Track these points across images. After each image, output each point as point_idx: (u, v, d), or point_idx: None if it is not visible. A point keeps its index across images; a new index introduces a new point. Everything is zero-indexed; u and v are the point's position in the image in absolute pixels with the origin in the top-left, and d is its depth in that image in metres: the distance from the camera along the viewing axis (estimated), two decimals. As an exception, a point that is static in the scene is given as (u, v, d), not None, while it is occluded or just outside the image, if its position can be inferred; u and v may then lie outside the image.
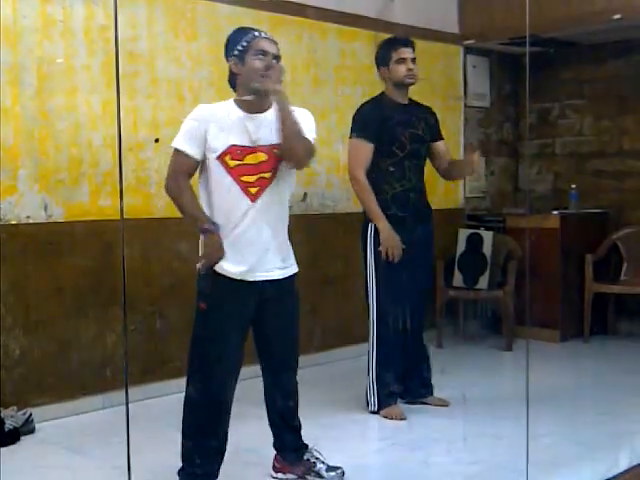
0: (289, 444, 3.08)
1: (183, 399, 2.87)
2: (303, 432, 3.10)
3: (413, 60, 3.86)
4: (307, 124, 2.85)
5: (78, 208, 3.98)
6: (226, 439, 2.88)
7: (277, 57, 2.83)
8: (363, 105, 3.96)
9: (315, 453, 3.08)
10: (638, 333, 5.77)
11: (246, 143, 2.79)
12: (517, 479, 2.89)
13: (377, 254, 3.81)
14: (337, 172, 5.00)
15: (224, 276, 2.79)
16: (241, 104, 2.84)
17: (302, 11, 4.90)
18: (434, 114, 4.08)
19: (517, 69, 6.36)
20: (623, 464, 3.28)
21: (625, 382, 4.50)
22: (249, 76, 2.80)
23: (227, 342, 2.82)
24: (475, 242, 5.57)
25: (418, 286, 3.94)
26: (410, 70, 3.84)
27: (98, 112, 4.01)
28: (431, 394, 4.08)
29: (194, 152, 2.78)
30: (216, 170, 2.78)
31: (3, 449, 3.45)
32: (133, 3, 4.14)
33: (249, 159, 2.79)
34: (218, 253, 2.77)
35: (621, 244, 5.78)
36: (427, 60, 5.36)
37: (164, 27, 4.29)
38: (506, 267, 5.48)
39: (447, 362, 4.76)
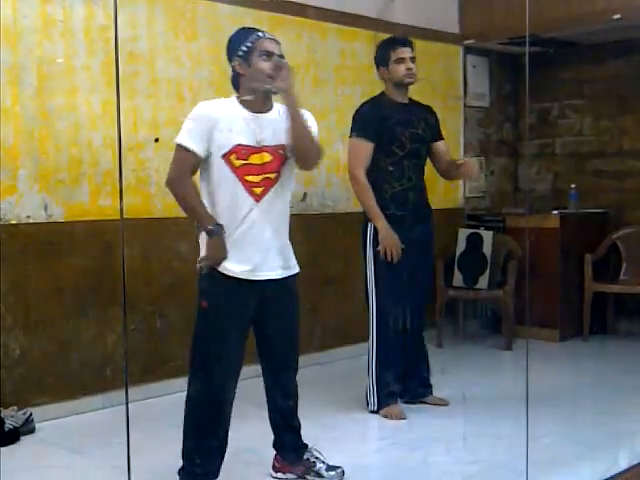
0: (289, 444, 3.08)
1: (184, 398, 2.87)
2: (303, 432, 3.10)
3: (412, 59, 3.86)
4: (310, 125, 2.87)
5: (78, 208, 3.98)
6: (227, 438, 2.88)
7: (281, 57, 2.84)
8: (363, 105, 3.97)
9: (315, 453, 3.08)
10: (637, 332, 5.78)
11: (251, 143, 2.80)
12: (517, 479, 2.89)
13: (376, 254, 3.81)
14: (337, 172, 5.00)
15: (226, 275, 2.79)
16: (245, 104, 2.84)
17: (302, 11, 4.90)
18: (434, 114, 4.08)
19: (517, 69, 6.36)
20: (622, 464, 3.28)
21: (624, 382, 4.51)
22: (255, 77, 2.81)
23: (228, 341, 2.82)
24: (475, 242, 5.57)
25: (418, 286, 3.94)
26: (409, 70, 3.84)
27: (98, 112, 4.02)
28: (430, 394, 4.08)
29: (199, 149, 2.76)
30: (220, 168, 2.78)
31: (3, 449, 3.45)
32: (133, 3, 4.14)
33: (254, 159, 2.80)
34: (221, 254, 2.77)
35: (621, 244, 5.79)
36: (427, 60, 5.36)
37: (164, 27, 4.29)
38: (506, 267, 5.48)
39: (447, 362, 4.76)
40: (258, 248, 2.82)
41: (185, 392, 2.87)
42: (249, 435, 3.38)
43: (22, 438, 3.59)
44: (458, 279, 5.53)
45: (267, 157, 2.82)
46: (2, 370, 3.70)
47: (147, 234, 4.22)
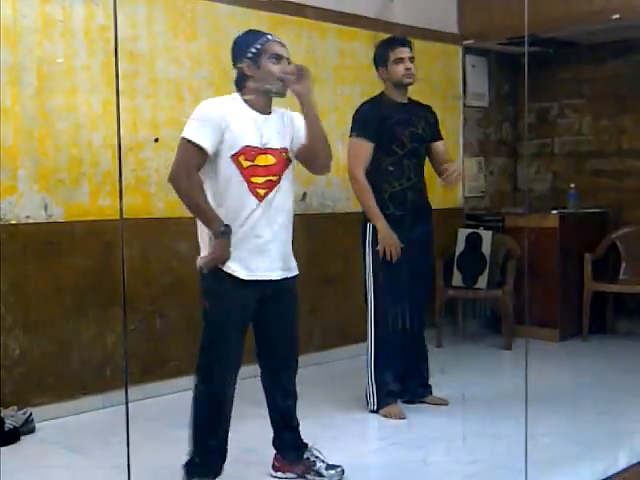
0: (289, 443, 3.08)
1: (184, 398, 2.89)
2: (303, 431, 3.10)
3: (411, 59, 3.86)
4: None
5: (78, 208, 3.98)
6: (227, 436, 2.90)
7: (289, 60, 2.87)
8: (363, 105, 3.97)
9: (315, 452, 3.08)
10: (637, 332, 5.78)
11: (257, 144, 2.81)
12: (516, 478, 2.89)
13: (376, 254, 3.81)
14: (337, 172, 4.96)
15: (228, 274, 2.80)
16: (252, 105, 2.86)
17: (302, 11, 4.90)
18: (434, 113, 4.08)
19: (516, 69, 6.36)
20: (622, 463, 3.28)
21: (624, 381, 4.51)
22: (265, 79, 2.83)
23: (230, 339, 2.84)
24: (474, 242, 5.57)
25: (417, 285, 3.94)
26: (408, 70, 3.84)
27: (98, 112, 4.02)
28: (430, 393, 4.08)
29: (209, 146, 2.74)
30: (228, 169, 2.78)
31: (3, 449, 3.45)
32: (133, 3, 4.14)
33: (260, 160, 2.81)
34: (225, 255, 2.77)
35: (620, 243, 5.79)
36: (426, 60, 5.37)
37: (164, 27, 4.29)
38: (505, 266, 5.48)
39: (446, 361, 4.77)
40: (260, 248, 2.83)
41: (186, 391, 2.88)
42: (249, 435, 3.38)
43: (22, 438, 3.59)
44: (457, 279, 5.53)
45: (271, 159, 2.84)
46: (2, 370, 3.71)
47: (147, 234, 4.23)
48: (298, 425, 3.10)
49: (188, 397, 2.89)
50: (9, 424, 3.55)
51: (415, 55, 3.91)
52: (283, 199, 2.89)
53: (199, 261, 2.86)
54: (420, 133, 3.92)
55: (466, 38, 5.95)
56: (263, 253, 2.84)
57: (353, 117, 3.92)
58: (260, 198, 2.81)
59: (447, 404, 4.03)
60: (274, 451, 3.11)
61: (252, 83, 2.86)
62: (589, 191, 6.04)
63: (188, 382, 4.20)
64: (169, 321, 4.32)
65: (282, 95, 2.89)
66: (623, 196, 5.97)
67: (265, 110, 2.88)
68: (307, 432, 3.12)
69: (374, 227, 3.82)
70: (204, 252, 2.85)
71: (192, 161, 2.76)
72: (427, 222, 4.00)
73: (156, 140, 4.24)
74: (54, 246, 3.91)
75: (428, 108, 4.07)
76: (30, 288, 3.84)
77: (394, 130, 3.83)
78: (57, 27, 3.89)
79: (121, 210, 2.43)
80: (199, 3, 4.44)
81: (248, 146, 2.79)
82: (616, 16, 5.12)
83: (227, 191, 2.79)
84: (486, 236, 5.56)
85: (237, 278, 2.80)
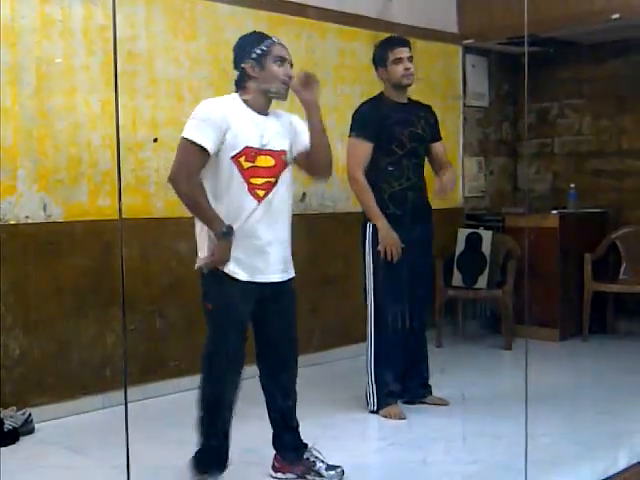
0: (289, 443, 3.08)
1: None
2: (303, 432, 3.10)
3: (410, 59, 3.86)
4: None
5: (77, 208, 3.98)
6: (228, 435, 2.93)
7: (292, 64, 2.89)
8: (362, 105, 3.97)
9: (315, 452, 3.08)
10: (637, 332, 5.78)
11: (257, 145, 2.82)
12: (516, 478, 2.89)
13: (376, 254, 3.81)
14: (336, 172, 4.96)
15: (227, 275, 2.80)
16: (252, 105, 2.86)
17: (301, 11, 4.90)
18: (434, 113, 4.08)
19: (516, 69, 6.35)
20: (622, 463, 3.28)
21: (624, 381, 4.51)
22: (268, 80, 2.84)
23: (229, 339, 2.85)
24: (474, 241, 5.57)
25: (418, 286, 3.93)
26: (407, 70, 3.84)
27: (97, 112, 4.01)
28: (430, 394, 4.08)
29: (211, 147, 2.74)
30: (229, 170, 2.78)
31: (3, 449, 3.44)
32: (132, 3, 4.14)
33: (260, 161, 2.82)
34: (226, 256, 2.77)
35: (620, 243, 5.79)
36: (426, 60, 5.37)
37: (163, 27, 4.29)
38: (505, 266, 5.48)
39: (446, 361, 4.76)
40: (259, 250, 2.83)
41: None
42: (249, 435, 3.37)
43: (21, 438, 3.59)
44: (457, 279, 5.53)
45: (271, 161, 2.85)
46: (2, 370, 3.70)
47: (146, 234, 4.22)
48: (298, 426, 3.10)
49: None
50: (8, 425, 3.55)
51: (415, 55, 3.91)
52: (282, 200, 2.90)
53: (199, 262, 2.86)
54: (420, 133, 3.91)
55: (466, 38, 5.95)
56: (262, 255, 2.84)
57: (352, 117, 3.92)
58: (259, 199, 2.82)
59: (447, 404, 4.02)
60: (274, 451, 3.11)
61: (254, 84, 2.86)
62: (589, 191, 6.04)
63: (188, 382, 4.22)
64: (169, 321, 4.32)
65: (283, 98, 2.91)
66: (623, 196, 5.97)
67: (264, 111, 2.89)
68: (307, 432, 3.12)
69: (374, 227, 3.82)
70: (202, 252, 2.85)
71: (193, 162, 2.75)
72: (427, 222, 4.00)
73: (155, 140, 4.23)
74: (54, 246, 3.91)
75: (428, 108, 4.07)
76: (30, 288, 3.84)
77: (393, 130, 3.83)
78: (56, 27, 3.89)
79: (120, 210, 2.44)
80: (198, 3, 4.43)
81: (249, 147, 2.79)
82: (616, 16, 5.12)
83: (227, 192, 2.79)
84: (486, 236, 5.56)
85: (236, 279, 2.80)
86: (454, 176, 4.06)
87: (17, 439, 3.56)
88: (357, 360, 4.30)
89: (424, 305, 4.09)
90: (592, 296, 5.62)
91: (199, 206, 2.77)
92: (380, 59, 3.90)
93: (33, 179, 3.82)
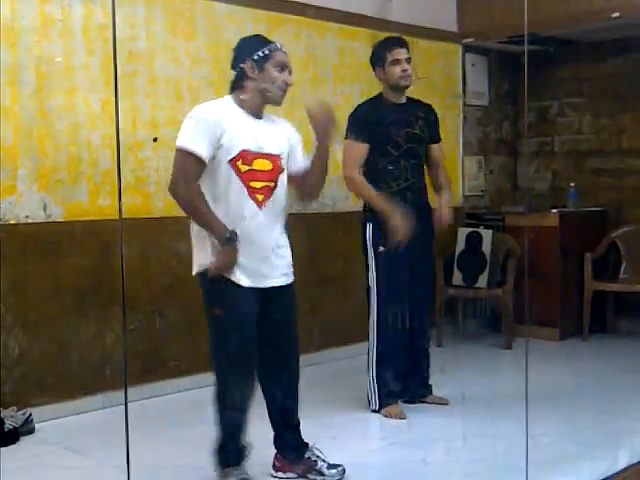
0: (290, 443, 3.08)
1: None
2: (303, 431, 3.10)
3: (408, 60, 3.85)
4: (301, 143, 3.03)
5: (77, 208, 3.98)
6: (245, 429, 2.95)
7: (291, 71, 2.91)
8: (359, 106, 3.98)
9: (315, 451, 3.08)
10: (637, 331, 5.78)
11: (253, 148, 2.82)
12: (516, 478, 2.89)
13: (377, 253, 3.81)
14: (336, 171, 4.98)
15: (233, 282, 2.80)
16: (246, 107, 2.87)
17: (301, 10, 4.89)
18: (434, 112, 4.07)
19: (516, 67, 6.35)
20: (622, 462, 3.28)
21: (624, 380, 4.51)
22: (266, 83, 2.85)
23: (237, 342, 2.85)
24: (474, 241, 5.57)
25: (418, 285, 3.93)
26: (405, 71, 3.83)
27: (97, 111, 4.01)
28: (430, 393, 4.08)
29: (206, 155, 2.75)
30: (227, 174, 2.78)
31: (3, 449, 3.44)
32: (132, 2, 4.13)
33: (257, 165, 2.82)
34: (232, 262, 2.77)
35: (620, 242, 5.79)
36: (426, 59, 5.37)
37: (163, 26, 4.29)
38: (505, 265, 5.48)
39: (446, 361, 4.76)
40: (260, 255, 2.84)
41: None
42: (249, 435, 3.37)
43: (22, 438, 3.59)
44: (457, 278, 5.53)
45: (268, 165, 2.85)
46: (2, 370, 3.70)
47: (146, 234, 4.22)
48: (299, 424, 3.10)
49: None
50: (9, 424, 3.55)
51: (415, 54, 3.91)
52: (281, 205, 2.92)
53: (199, 267, 2.85)
54: (417, 133, 3.90)
55: (466, 37, 5.94)
56: (264, 260, 2.85)
57: (348, 119, 3.91)
58: (259, 204, 2.82)
59: (447, 404, 4.02)
60: (274, 451, 3.11)
61: (252, 83, 2.86)
62: (589, 190, 6.04)
63: (188, 382, 4.24)
64: (169, 321, 4.32)
65: (278, 103, 2.92)
66: (623, 195, 5.97)
67: (258, 114, 2.90)
68: (307, 432, 3.12)
69: (374, 226, 3.82)
70: (199, 256, 2.85)
71: (190, 170, 2.76)
72: (427, 221, 3.99)
73: (155, 140, 4.23)
74: (53, 246, 3.91)
75: (428, 107, 4.06)
76: (30, 288, 3.84)
77: (389, 131, 3.82)
78: (56, 26, 3.88)
79: (120, 210, 2.44)
80: (198, 2, 4.43)
81: (245, 150, 2.79)
82: (616, 14, 5.11)
83: (226, 196, 2.79)
84: (486, 235, 5.56)
85: (238, 284, 2.81)
86: (450, 197, 4.05)
87: (17, 439, 3.56)
88: (357, 360, 4.30)
89: (425, 305, 4.09)
90: (592, 295, 5.61)
91: (200, 213, 2.77)
92: (378, 60, 3.89)
93: (33, 179, 3.82)
